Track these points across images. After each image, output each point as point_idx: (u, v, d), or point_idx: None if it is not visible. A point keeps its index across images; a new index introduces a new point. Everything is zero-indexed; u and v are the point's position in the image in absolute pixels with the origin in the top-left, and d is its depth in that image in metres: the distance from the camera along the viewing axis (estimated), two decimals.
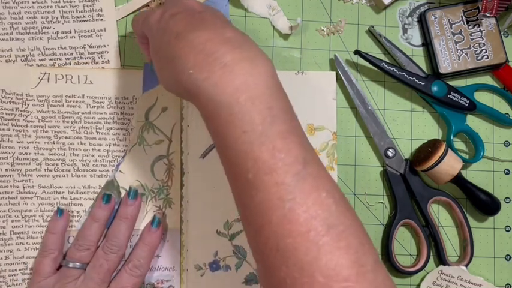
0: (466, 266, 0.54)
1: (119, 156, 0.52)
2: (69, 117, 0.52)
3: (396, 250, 0.54)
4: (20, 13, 0.52)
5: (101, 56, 0.53)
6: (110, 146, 0.52)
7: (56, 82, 0.52)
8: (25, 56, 0.52)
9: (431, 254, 0.54)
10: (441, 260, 0.54)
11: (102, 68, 0.53)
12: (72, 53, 0.53)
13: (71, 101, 0.52)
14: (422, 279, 0.54)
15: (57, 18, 0.53)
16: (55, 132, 0.51)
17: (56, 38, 0.53)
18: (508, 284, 0.55)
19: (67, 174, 0.51)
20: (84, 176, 0.51)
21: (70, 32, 0.53)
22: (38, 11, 0.52)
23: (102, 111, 0.52)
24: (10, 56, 0.52)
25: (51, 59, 0.52)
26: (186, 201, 0.52)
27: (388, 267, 0.54)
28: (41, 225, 0.50)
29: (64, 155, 0.51)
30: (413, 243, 0.55)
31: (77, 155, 0.51)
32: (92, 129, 0.52)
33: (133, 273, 0.48)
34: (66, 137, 0.51)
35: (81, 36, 0.53)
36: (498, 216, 0.56)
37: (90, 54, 0.53)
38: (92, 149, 0.51)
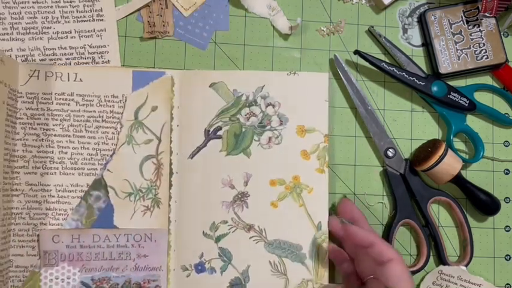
0: (466, 266, 0.54)
1: (107, 155, 0.52)
2: (58, 114, 0.51)
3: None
4: (20, 13, 0.52)
5: (101, 56, 0.53)
6: (98, 144, 0.52)
7: (45, 79, 0.52)
8: (25, 56, 0.52)
9: (431, 254, 0.54)
10: (441, 260, 0.54)
11: (93, 66, 0.53)
12: (72, 53, 0.53)
13: (60, 99, 0.52)
14: (422, 279, 0.54)
15: (57, 18, 0.53)
16: (44, 129, 0.51)
17: (56, 38, 0.53)
18: (507, 284, 0.55)
19: (55, 172, 0.51)
20: (72, 174, 0.51)
21: (70, 32, 0.53)
22: (38, 11, 0.52)
23: (92, 109, 0.52)
24: (10, 56, 0.52)
25: (51, 59, 0.52)
26: (174, 202, 0.52)
27: None
28: (27, 223, 0.50)
29: (52, 152, 0.51)
30: (413, 243, 0.55)
31: (66, 153, 0.51)
32: (81, 127, 0.52)
33: None
34: (54, 135, 0.51)
35: (82, 36, 0.53)
36: (498, 216, 0.56)
37: (90, 54, 0.53)
38: (81, 147, 0.51)
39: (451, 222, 0.56)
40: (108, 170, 0.51)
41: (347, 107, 0.55)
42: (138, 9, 0.54)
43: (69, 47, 0.53)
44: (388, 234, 0.53)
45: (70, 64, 0.52)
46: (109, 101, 0.52)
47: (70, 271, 0.50)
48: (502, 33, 0.57)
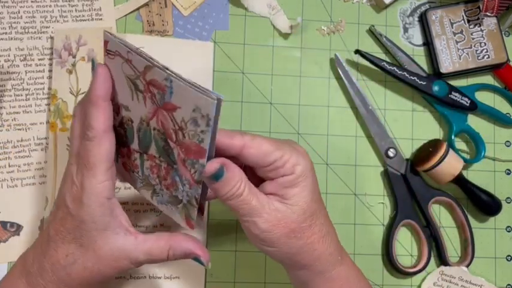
0: (467, 266, 0.54)
1: None
2: None
3: (397, 250, 0.54)
4: (18, 12, 0.52)
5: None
6: None
7: None
8: (24, 56, 0.52)
9: (432, 254, 0.54)
10: (442, 260, 0.54)
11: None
12: None
13: None
14: (423, 280, 0.54)
15: (56, 17, 0.52)
16: None
17: None
18: (509, 284, 0.55)
19: None
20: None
21: None
22: (36, 11, 0.52)
23: None
24: (9, 56, 0.52)
25: (50, 59, 0.52)
26: None
27: (389, 267, 0.54)
28: None
29: None
30: (414, 243, 0.55)
31: None
32: None
33: None
34: None
35: None
36: (499, 217, 0.56)
37: None
38: None
39: (452, 222, 0.56)
40: None
41: (347, 106, 0.55)
42: (137, 9, 0.54)
43: None
44: (388, 235, 0.53)
45: None
46: None
47: None
48: (503, 32, 0.57)
